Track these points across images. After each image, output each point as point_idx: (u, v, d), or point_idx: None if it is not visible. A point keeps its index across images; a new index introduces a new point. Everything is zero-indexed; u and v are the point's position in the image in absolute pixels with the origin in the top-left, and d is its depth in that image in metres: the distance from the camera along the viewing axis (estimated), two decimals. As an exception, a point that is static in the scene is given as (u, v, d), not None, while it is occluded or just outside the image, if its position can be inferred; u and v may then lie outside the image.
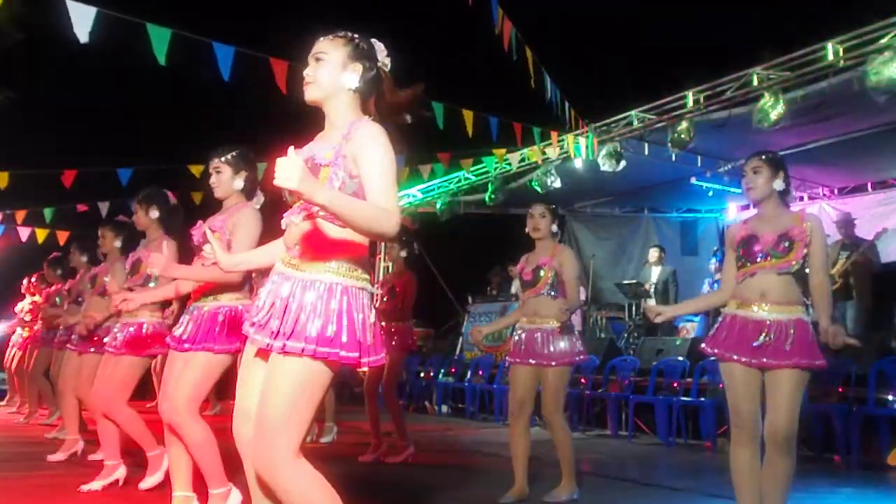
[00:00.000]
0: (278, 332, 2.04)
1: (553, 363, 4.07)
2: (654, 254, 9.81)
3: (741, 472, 3.11)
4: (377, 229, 1.96)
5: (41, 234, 9.85)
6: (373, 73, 2.21)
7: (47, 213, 9.69)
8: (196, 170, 8.24)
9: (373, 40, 2.25)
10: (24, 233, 9.91)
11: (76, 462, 5.22)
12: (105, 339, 4.31)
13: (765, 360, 3.03)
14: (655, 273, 9.62)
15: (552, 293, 4.18)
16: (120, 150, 9.90)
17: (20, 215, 9.93)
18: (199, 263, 3.46)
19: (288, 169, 1.78)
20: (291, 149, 1.99)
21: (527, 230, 4.34)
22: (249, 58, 5.67)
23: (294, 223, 2.16)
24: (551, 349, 4.09)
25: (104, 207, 9.38)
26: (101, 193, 9.42)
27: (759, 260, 3.14)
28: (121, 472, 4.31)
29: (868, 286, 7.77)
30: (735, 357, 3.09)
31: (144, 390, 7.66)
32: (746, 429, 3.10)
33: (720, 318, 3.27)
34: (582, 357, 4.18)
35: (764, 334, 3.04)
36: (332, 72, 2.18)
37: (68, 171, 8.52)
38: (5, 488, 4.19)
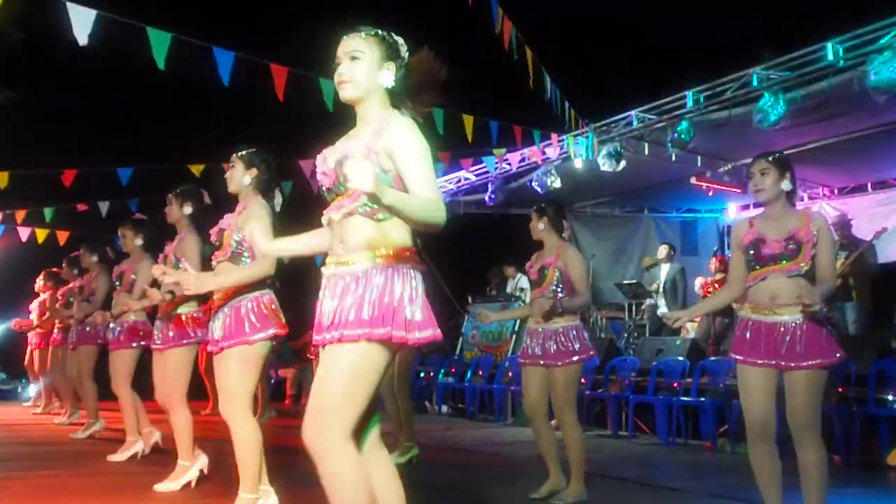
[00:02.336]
0: (332, 323, 2.09)
1: (559, 363, 4.11)
2: (663, 250, 9.53)
3: (760, 468, 3.21)
4: (430, 221, 2.05)
5: (41, 234, 9.85)
6: (402, 71, 2.23)
7: (47, 213, 9.69)
8: (196, 169, 8.24)
9: (396, 36, 2.26)
10: (24, 233, 9.91)
11: (80, 461, 5.22)
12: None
13: (783, 362, 3.09)
14: (664, 270, 9.39)
15: (559, 293, 4.21)
16: (120, 150, 9.89)
17: (20, 215, 9.93)
18: (219, 264, 3.49)
19: (362, 172, 1.84)
20: (327, 151, 2.16)
21: None
22: (249, 63, 5.68)
23: (334, 220, 2.19)
24: (559, 349, 4.14)
25: (104, 207, 9.38)
26: (101, 193, 9.42)
27: (768, 263, 3.17)
28: (203, 461, 4.28)
29: (867, 286, 7.77)
30: (759, 361, 3.15)
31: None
32: (758, 428, 3.18)
33: (737, 323, 3.34)
34: (591, 354, 4.23)
35: (789, 341, 3.08)
36: (370, 71, 2.20)
37: (68, 171, 8.52)
38: (6, 488, 4.20)
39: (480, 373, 9.38)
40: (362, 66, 2.19)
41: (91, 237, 6.98)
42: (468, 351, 10.56)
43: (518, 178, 10.31)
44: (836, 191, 10.74)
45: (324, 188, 2.25)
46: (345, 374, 2.06)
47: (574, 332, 4.16)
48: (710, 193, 10.22)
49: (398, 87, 2.23)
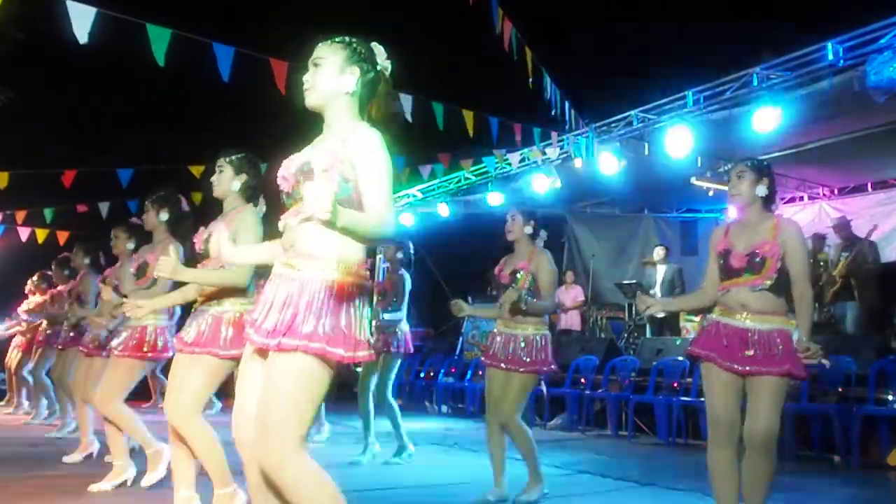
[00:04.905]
0: (274, 330, 2.06)
1: (521, 369, 4.11)
2: (659, 252, 9.60)
3: (719, 473, 3.13)
4: (378, 236, 2.04)
5: (41, 234, 9.85)
6: (371, 76, 2.22)
7: (47, 213, 9.68)
8: (196, 170, 8.23)
9: (373, 44, 2.25)
10: (24, 233, 9.90)
11: (80, 462, 5.21)
12: (112, 342, 4.32)
13: (749, 367, 3.03)
14: (661, 272, 9.45)
15: (529, 297, 4.19)
16: (120, 150, 9.89)
17: (20, 215, 9.92)
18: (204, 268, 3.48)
19: (321, 199, 1.76)
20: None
21: None
22: (249, 58, 5.67)
23: (291, 226, 2.18)
24: (522, 356, 4.13)
25: (104, 207, 9.37)
26: (101, 193, 9.40)
27: (733, 276, 3.15)
28: (130, 473, 4.33)
29: (870, 285, 7.77)
30: (719, 360, 3.09)
31: (143, 392, 7.80)
32: (724, 430, 3.11)
33: (706, 325, 3.29)
34: (551, 367, 4.21)
35: (752, 347, 3.03)
36: (330, 76, 2.19)
37: (68, 171, 8.51)
38: (6, 488, 4.19)
39: (480, 373, 9.33)
40: (323, 72, 2.19)
41: (89, 238, 6.96)
42: (468, 351, 10.57)
43: (518, 178, 10.31)
44: (836, 191, 10.75)
45: (283, 193, 2.23)
46: (288, 389, 2.03)
47: (539, 342, 4.16)
48: (711, 193, 10.22)
49: (365, 94, 2.22)
